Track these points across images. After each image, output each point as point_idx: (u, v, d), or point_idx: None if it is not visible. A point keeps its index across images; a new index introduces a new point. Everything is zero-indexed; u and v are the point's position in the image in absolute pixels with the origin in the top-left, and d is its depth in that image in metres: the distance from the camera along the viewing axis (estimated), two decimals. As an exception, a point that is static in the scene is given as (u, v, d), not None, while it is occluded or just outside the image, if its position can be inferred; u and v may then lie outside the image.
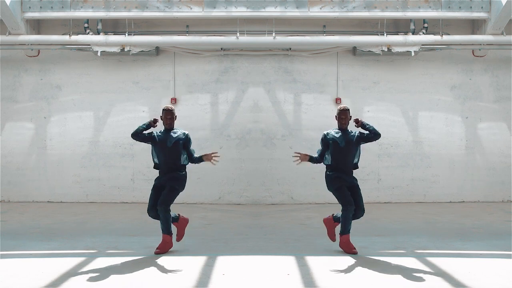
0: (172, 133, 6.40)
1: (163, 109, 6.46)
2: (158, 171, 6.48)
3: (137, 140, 6.52)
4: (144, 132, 6.44)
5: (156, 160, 6.43)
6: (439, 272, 5.40)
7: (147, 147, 10.51)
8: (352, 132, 6.40)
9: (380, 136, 6.41)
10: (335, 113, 6.54)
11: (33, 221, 8.52)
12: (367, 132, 6.37)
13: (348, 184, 6.34)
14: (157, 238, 7.12)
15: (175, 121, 6.46)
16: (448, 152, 10.79)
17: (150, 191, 6.46)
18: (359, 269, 5.58)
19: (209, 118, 10.66)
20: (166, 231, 6.28)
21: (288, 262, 5.81)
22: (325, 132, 6.43)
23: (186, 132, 6.47)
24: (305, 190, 10.50)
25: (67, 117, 10.76)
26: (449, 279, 5.16)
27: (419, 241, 6.97)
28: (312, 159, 6.48)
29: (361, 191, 6.44)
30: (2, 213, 9.38)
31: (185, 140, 6.40)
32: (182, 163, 6.43)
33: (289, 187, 10.64)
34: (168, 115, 6.39)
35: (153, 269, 5.57)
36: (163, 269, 5.56)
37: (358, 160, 6.42)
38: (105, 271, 5.48)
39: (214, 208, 10.05)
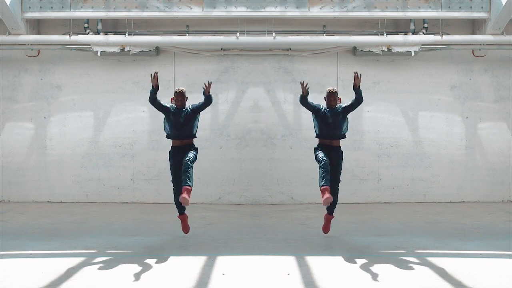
0: (183, 110, 7.03)
1: (174, 92, 7.11)
2: (170, 140, 7.15)
3: (154, 106, 7.08)
4: (161, 102, 7.08)
5: (168, 131, 7.07)
6: (439, 272, 5.40)
7: (147, 147, 10.64)
8: (338, 109, 6.98)
9: (362, 101, 6.99)
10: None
11: (33, 221, 8.52)
12: (352, 101, 6.96)
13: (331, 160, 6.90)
14: (157, 238, 7.15)
15: (186, 101, 7.11)
16: (448, 152, 10.79)
17: (170, 163, 7.07)
18: (359, 269, 5.59)
19: (209, 118, 10.65)
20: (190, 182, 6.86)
21: (288, 262, 5.81)
22: (321, 106, 7.06)
23: (190, 105, 7.12)
24: (305, 190, 10.50)
25: (67, 117, 10.76)
26: (449, 279, 5.16)
27: (419, 241, 6.98)
28: (304, 96, 7.02)
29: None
30: (2, 213, 9.38)
31: (192, 110, 7.06)
32: (194, 133, 7.13)
33: (289, 187, 10.64)
34: (179, 97, 7.03)
35: (153, 269, 5.58)
36: (163, 269, 5.57)
37: (347, 129, 7.07)
38: (105, 271, 5.48)
39: (214, 208, 10.06)
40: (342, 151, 7.06)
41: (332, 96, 6.96)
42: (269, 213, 9.50)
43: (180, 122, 6.98)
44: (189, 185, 6.73)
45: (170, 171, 7.11)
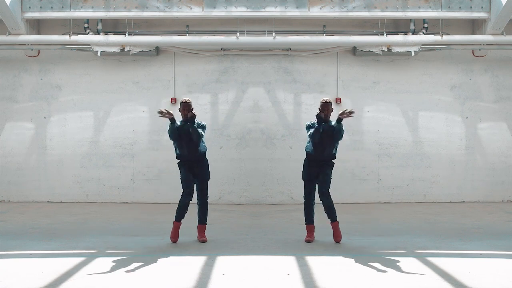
0: (188, 125, 6.71)
1: (181, 102, 6.81)
2: (179, 160, 6.91)
3: (173, 141, 6.86)
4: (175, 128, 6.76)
5: (178, 151, 6.84)
6: (439, 272, 5.40)
7: (147, 147, 10.63)
8: (330, 123, 6.71)
9: (340, 138, 6.73)
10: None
11: (33, 221, 8.52)
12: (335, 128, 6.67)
13: (318, 173, 6.79)
14: (157, 238, 7.15)
15: (192, 111, 6.75)
16: (448, 152, 10.79)
17: (181, 174, 6.85)
18: (359, 269, 5.59)
19: (209, 118, 10.65)
20: (205, 220, 7.02)
21: (288, 262, 5.81)
22: (309, 122, 6.83)
23: (199, 122, 6.82)
24: (305, 190, 10.48)
25: (67, 117, 10.76)
26: (449, 279, 5.16)
27: (419, 241, 6.98)
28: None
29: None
30: (2, 213, 9.38)
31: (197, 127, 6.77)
32: (201, 151, 6.84)
33: (289, 187, 10.64)
34: (186, 107, 6.73)
35: (153, 269, 5.58)
36: (163, 269, 5.57)
37: (336, 151, 6.80)
38: (105, 271, 5.48)
39: (214, 208, 10.01)
40: (332, 162, 6.82)
41: (325, 106, 6.67)
42: (269, 213, 9.50)
43: (187, 136, 6.70)
44: (205, 223, 7.03)
45: (180, 179, 6.89)
